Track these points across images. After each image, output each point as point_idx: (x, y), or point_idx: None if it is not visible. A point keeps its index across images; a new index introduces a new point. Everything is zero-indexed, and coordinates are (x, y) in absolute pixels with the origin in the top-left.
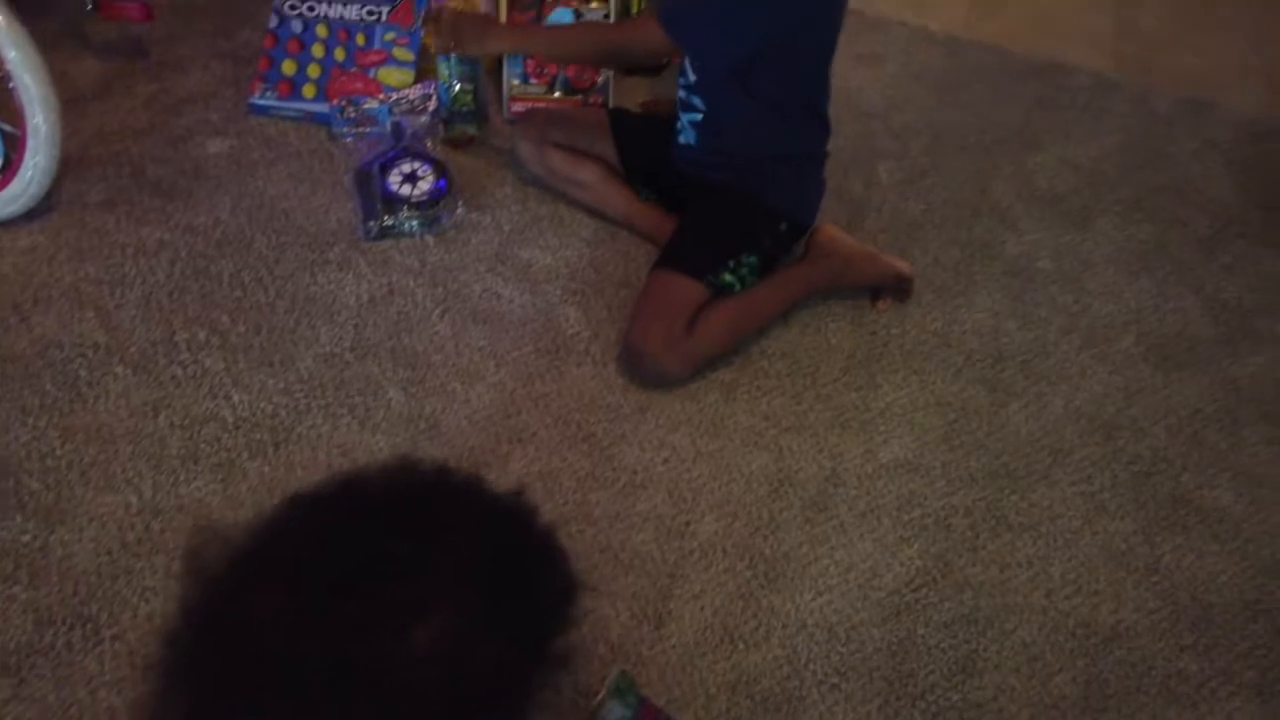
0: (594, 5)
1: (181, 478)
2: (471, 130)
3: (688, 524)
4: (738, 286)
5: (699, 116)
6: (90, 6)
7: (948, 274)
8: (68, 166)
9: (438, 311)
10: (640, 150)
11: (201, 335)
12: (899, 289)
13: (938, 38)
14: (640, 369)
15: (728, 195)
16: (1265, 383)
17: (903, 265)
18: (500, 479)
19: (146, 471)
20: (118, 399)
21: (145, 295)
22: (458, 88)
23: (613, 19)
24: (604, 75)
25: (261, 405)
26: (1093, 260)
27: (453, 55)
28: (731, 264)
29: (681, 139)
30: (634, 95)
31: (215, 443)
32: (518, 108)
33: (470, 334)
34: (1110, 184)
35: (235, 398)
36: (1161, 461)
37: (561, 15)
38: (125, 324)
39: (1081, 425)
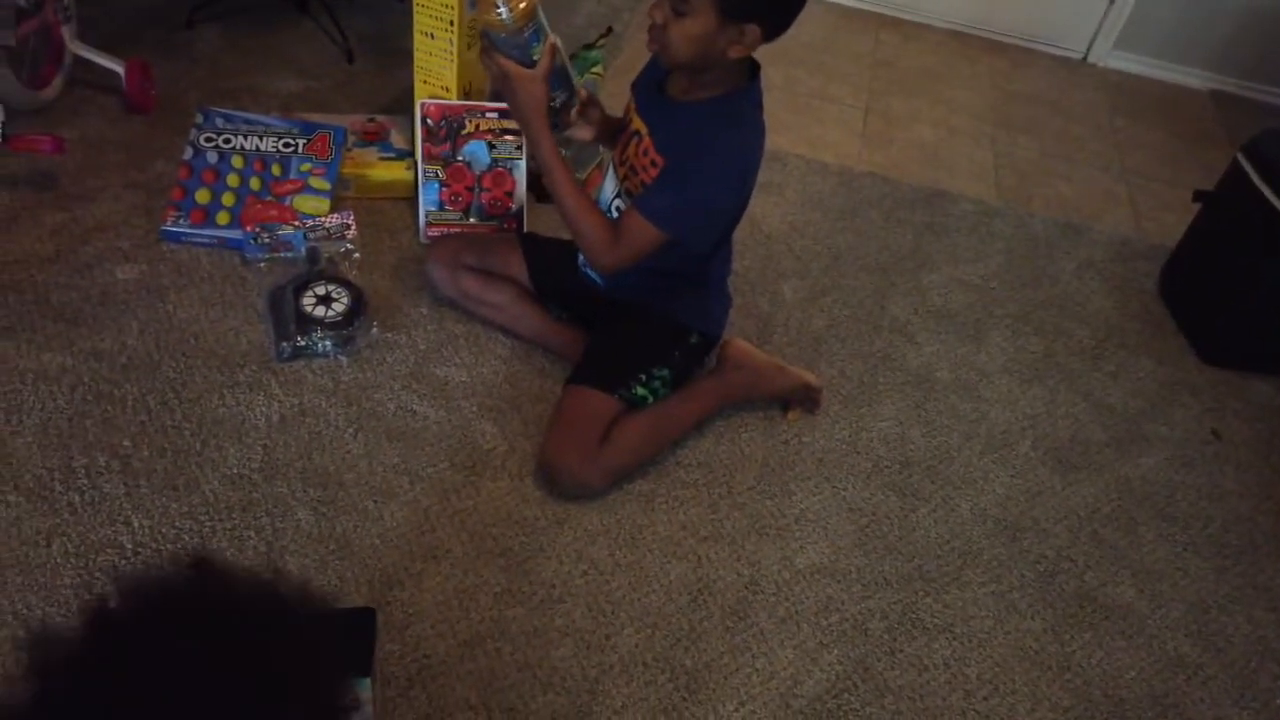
0: (508, 138)
1: (74, 608)
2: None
3: (607, 637)
4: (650, 399)
5: (598, 278)
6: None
7: (853, 385)
8: None
9: (351, 430)
10: (551, 271)
11: (101, 460)
12: (808, 399)
13: (832, 169)
14: (557, 483)
15: (637, 312)
16: (1156, 483)
17: (810, 377)
18: (414, 597)
19: (36, 603)
20: (8, 527)
21: (43, 421)
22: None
23: (524, 153)
24: (517, 203)
25: (163, 530)
26: (988, 370)
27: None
28: (643, 377)
29: (588, 270)
30: (547, 223)
31: (111, 571)
32: (433, 233)
33: (384, 452)
34: (999, 300)
35: (135, 523)
36: (1065, 560)
37: (476, 147)
38: (20, 451)
39: (988, 527)
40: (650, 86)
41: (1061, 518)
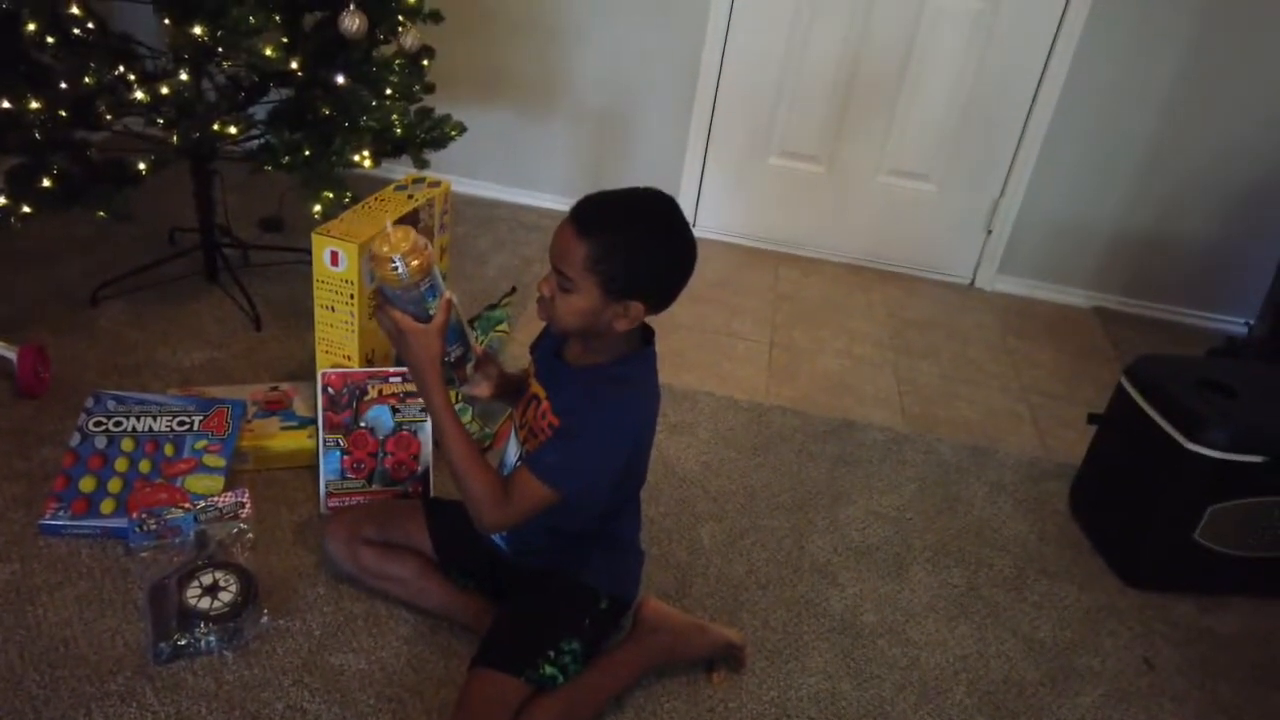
0: (412, 402)
1: None
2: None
3: None
4: (561, 678)
5: (501, 539)
6: None
7: (778, 636)
8: None
9: None
10: (455, 540)
11: None
12: (732, 658)
13: (742, 404)
14: None
15: (544, 579)
16: None
17: (732, 634)
18: None
19: None
20: None
21: None
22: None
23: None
24: (422, 465)
25: None
26: (913, 609)
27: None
28: (552, 654)
29: (494, 537)
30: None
31: None
32: (334, 503)
33: None
34: (917, 531)
35: None
36: None
37: (379, 412)
38: None
39: None
40: (548, 353)
41: None
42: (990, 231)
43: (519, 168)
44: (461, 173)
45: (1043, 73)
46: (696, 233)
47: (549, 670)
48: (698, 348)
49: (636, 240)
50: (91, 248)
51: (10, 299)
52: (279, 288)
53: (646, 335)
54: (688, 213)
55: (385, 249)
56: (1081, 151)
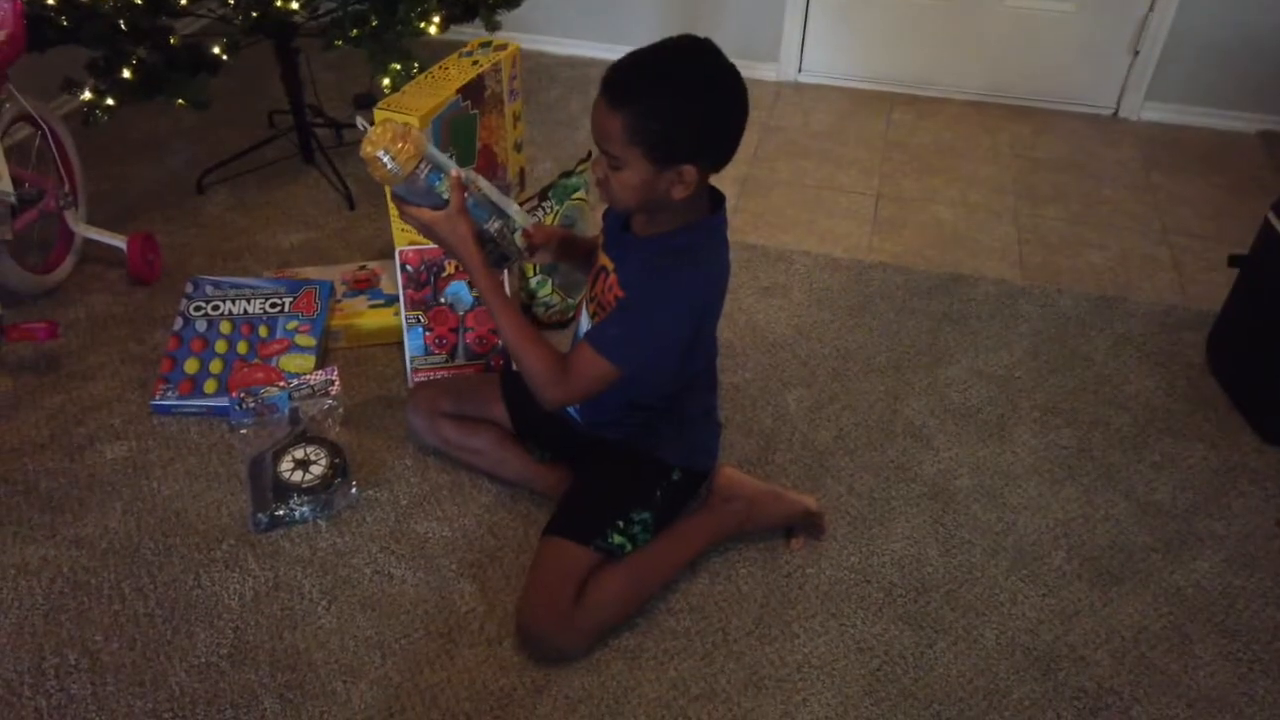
0: None
1: None
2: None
3: None
4: (629, 547)
5: (575, 411)
6: None
7: (863, 502)
8: None
9: (324, 602)
10: (530, 412)
11: (72, 658)
12: (811, 525)
13: (842, 263)
14: (533, 648)
15: (618, 450)
16: (1212, 591)
17: (810, 501)
18: None
19: None
20: None
21: (19, 621)
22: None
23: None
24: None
25: None
26: (1014, 473)
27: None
28: (621, 524)
29: (568, 409)
30: None
31: None
32: (419, 378)
33: (357, 623)
34: (1026, 391)
35: None
36: (1109, 694)
37: (457, 287)
38: None
39: (1016, 659)
40: (616, 223)
41: (1103, 642)
42: (1138, 53)
43: (610, 21)
44: (553, 31)
45: None
46: (802, 78)
47: (617, 539)
48: (796, 205)
49: (669, 100)
50: (199, 136)
51: (121, 190)
52: None
53: (716, 201)
54: (792, 56)
55: (370, 149)
56: None
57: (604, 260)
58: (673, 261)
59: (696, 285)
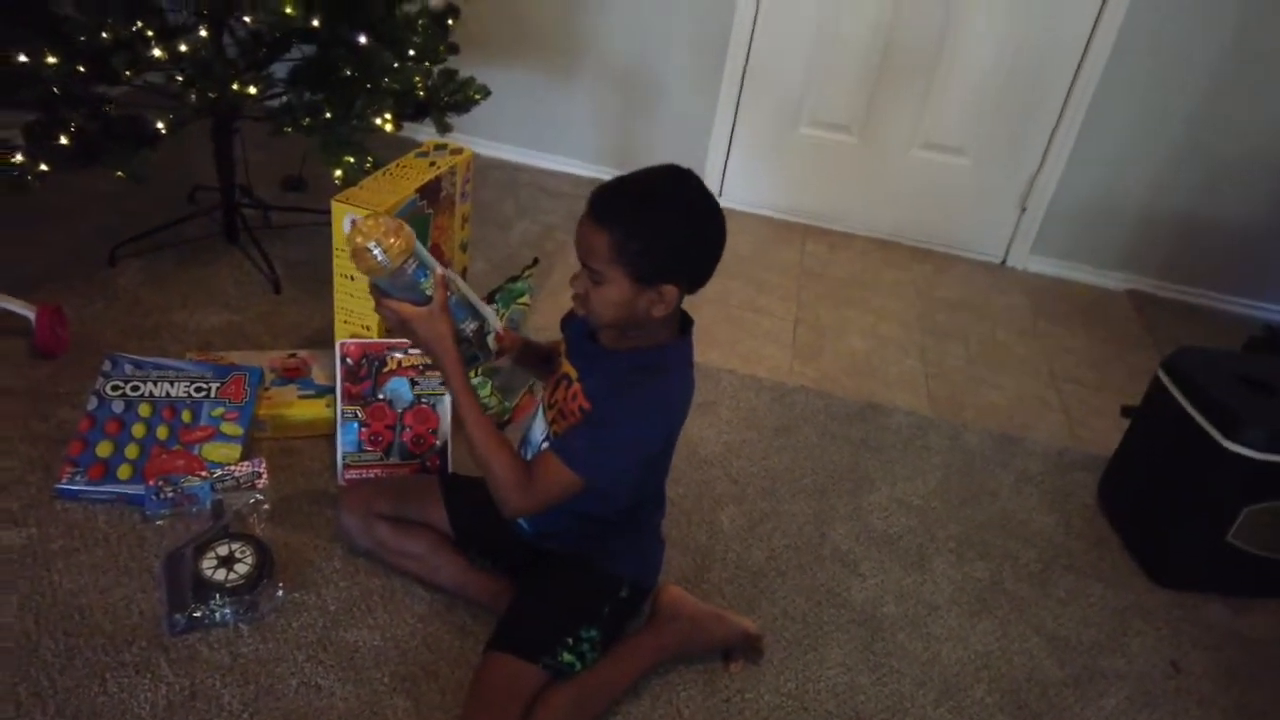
0: (429, 375)
1: None
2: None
3: None
4: (579, 666)
5: (524, 521)
6: None
7: (797, 625)
8: None
9: (245, 715)
10: (473, 517)
11: None
12: (749, 648)
13: (765, 384)
14: None
15: (564, 563)
16: None
17: (749, 624)
18: None
19: None
20: None
21: None
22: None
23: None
24: (441, 439)
25: None
26: (935, 603)
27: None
28: (570, 641)
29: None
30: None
31: None
32: (351, 475)
33: None
34: (940, 521)
35: None
36: None
37: (398, 384)
38: None
39: None
40: (581, 332)
41: None
42: (1025, 209)
43: (543, 133)
44: (485, 136)
45: (1086, 46)
46: (723, 203)
47: (567, 658)
48: (721, 323)
49: (656, 222)
50: (113, 204)
51: (29, 256)
52: (299, 249)
53: (685, 324)
54: (714, 183)
55: (360, 240)
56: (1122, 128)
57: (567, 368)
58: (643, 378)
59: (669, 403)
